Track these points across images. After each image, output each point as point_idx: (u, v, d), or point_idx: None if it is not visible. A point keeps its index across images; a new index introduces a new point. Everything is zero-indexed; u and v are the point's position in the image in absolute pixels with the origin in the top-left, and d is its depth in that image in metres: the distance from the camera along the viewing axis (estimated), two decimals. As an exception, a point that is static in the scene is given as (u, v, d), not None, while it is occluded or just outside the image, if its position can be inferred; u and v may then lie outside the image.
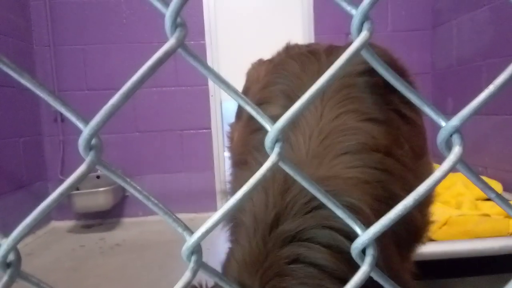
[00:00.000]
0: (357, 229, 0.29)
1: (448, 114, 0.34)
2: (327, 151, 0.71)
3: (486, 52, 2.45)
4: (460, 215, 1.82)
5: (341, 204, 0.29)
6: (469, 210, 1.93)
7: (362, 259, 0.29)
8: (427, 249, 1.54)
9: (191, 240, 0.29)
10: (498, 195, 0.29)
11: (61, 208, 3.06)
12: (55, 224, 3.07)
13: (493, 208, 1.90)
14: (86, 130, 0.27)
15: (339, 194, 0.64)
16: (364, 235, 0.28)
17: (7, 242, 0.28)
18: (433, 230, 1.67)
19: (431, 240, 1.60)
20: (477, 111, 0.27)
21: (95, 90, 3.00)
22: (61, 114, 3.04)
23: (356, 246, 0.29)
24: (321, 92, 0.27)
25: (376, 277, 0.30)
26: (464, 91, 2.66)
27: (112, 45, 3.01)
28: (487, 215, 1.82)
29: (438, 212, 1.92)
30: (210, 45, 3.04)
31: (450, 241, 1.58)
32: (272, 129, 0.28)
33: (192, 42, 2.99)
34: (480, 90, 0.28)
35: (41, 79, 2.93)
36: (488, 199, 2.09)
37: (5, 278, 0.28)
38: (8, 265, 0.28)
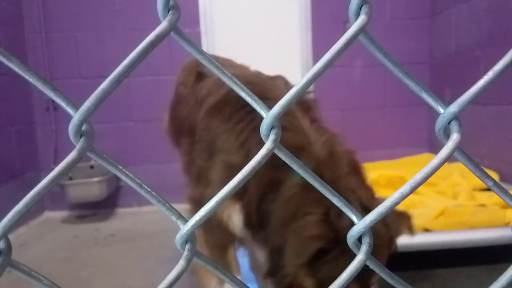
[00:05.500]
0: (354, 218, 0.29)
1: (446, 105, 0.34)
2: None
3: (484, 42, 2.44)
4: (457, 205, 1.83)
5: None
6: (465, 200, 1.94)
7: (358, 248, 0.29)
8: (423, 239, 1.56)
9: (185, 228, 0.28)
10: (496, 183, 0.29)
11: (55, 199, 3.04)
12: (48, 214, 3.05)
13: (489, 198, 1.91)
14: (76, 116, 0.26)
15: None
16: (360, 223, 0.28)
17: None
18: (430, 221, 1.68)
19: (427, 230, 1.61)
20: (476, 98, 0.27)
21: (88, 78, 2.96)
22: (53, 102, 3.01)
23: (352, 235, 0.29)
24: (317, 78, 0.27)
25: (372, 266, 0.30)
26: (462, 81, 2.66)
27: (105, 33, 2.97)
28: (484, 205, 1.83)
29: (434, 202, 1.93)
30: (206, 33, 3.00)
31: (446, 232, 1.59)
32: (268, 116, 0.28)
33: (187, 30, 2.95)
34: (479, 80, 0.27)
35: (32, 67, 2.88)
36: (485, 190, 2.10)
37: (-6, 267, 0.28)
38: (-2, 253, 0.28)
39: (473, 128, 2.49)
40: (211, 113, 1.15)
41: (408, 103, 3.09)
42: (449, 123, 0.28)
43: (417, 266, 1.82)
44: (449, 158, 0.27)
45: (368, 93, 3.12)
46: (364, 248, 0.28)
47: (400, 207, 1.88)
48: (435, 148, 3.00)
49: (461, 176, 2.25)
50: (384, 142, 3.14)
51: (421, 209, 1.90)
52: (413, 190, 0.27)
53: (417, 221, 1.72)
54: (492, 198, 1.89)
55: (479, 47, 2.47)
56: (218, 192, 0.28)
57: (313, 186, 0.30)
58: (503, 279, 0.28)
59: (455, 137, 0.27)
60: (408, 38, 3.07)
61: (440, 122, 0.28)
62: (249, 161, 0.43)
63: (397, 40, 3.03)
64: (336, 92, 3.10)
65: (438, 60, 3.00)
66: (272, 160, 0.71)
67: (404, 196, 0.27)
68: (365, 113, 3.13)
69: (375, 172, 2.39)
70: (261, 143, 0.62)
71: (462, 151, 0.28)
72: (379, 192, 2.17)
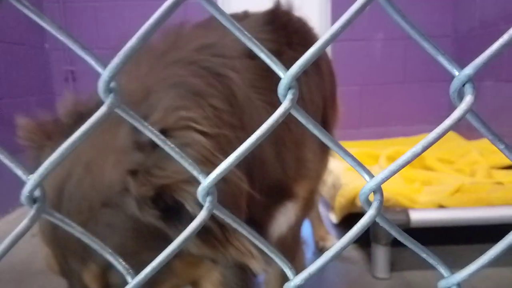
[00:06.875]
0: (365, 176, 0.30)
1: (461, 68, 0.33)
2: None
3: (510, 15, 2.35)
4: (473, 183, 1.81)
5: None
6: (483, 178, 1.92)
7: (369, 204, 0.30)
8: (437, 215, 1.56)
9: (206, 181, 0.30)
10: (507, 147, 0.29)
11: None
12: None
13: (507, 176, 1.89)
14: (106, 72, 0.28)
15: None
16: (372, 181, 0.30)
17: (33, 177, 0.29)
18: (445, 197, 1.68)
19: (442, 206, 1.61)
20: (491, 60, 0.27)
21: (107, 49, 2.98)
22: (72, 73, 3.06)
23: (364, 192, 0.30)
24: (334, 38, 0.27)
25: (381, 223, 0.31)
26: (485, 56, 2.57)
27: (124, 2, 2.97)
28: (501, 183, 1.81)
29: (451, 179, 1.92)
30: (222, 2, 2.97)
31: (461, 208, 1.59)
32: (286, 76, 0.29)
33: None
34: (502, 55, 0.28)
35: (51, 36, 2.92)
36: (504, 168, 2.07)
37: (32, 212, 0.30)
38: (34, 200, 0.30)
39: (494, 106, 2.44)
40: None
41: (428, 79, 3.03)
42: (463, 85, 0.28)
43: (429, 242, 1.83)
44: (462, 119, 0.28)
45: (388, 68, 3.05)
46: (375, 204, 0.29)
47: (416, 185, 1.88)
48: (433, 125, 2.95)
49: (480, 154, 2.22)
50: (402, 118, 3.10)
51: (437, 186, 1.90)
52: (424, 149, 0.28)
53: (433, 197, 1.72)
54: (510, 176, 1.87)
55: (504, 20, 2.38)
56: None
57: None
58: (504, 242, 0.29)
59: (468, 98, 0.27)
60: (431, 10, 2.96)
61: (454, 85, 0.28)
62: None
63: (419, 12, 2.94)
64: (355, 66, 3.05)
65: (461, 34, 2.91)
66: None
67: (415, 155, 0.28)
68: (384, 88, 3.08)
69: (392, 148, 2.38)
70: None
71: (475, 113, 0.28)
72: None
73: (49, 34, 2.95)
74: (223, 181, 0.53)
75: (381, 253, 1.55)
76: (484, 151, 2.25)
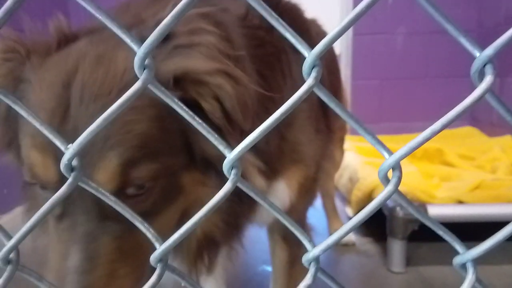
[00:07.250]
0: (384, 153, 0.32)
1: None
2: None
3: (537, 10, 2.29)
4: (494, 179, 1.79)
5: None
6: (504, 175, 1.89)
7: (388, 181, 0.31)
8: (456, 211, 1.55)
9: (231, 155, 0.32)
10: (526, 127, 0.30)
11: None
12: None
13: (529, 173, 1.85)
14: (141, 50, 0.29)
15: None
16: (391, 158, 0.31)
17: (72, 147, 0.32)
18: (465, 193, 1.66)
19: (461, 202, 1.59)
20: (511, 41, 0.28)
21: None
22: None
23: (382, 168, 0.31)
24: (358, 19, 0.28)
25: (398, 198, 0.32)
26: None
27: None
28: (523, 180, 1.78)
29: (471, 176, 1.89)
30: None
31: (480, 204, 1.57)
32: (310, 55, 0.30)
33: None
34: None
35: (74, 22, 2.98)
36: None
37: (69, 180, 0.32)
38: (72, 169, 0.33)
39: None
40: None
41: (450, 74, 2.97)
42: (484, 66, 0.29)
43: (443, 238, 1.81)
44: (481, 99, 0.29)
45: (409, 62, 3.01)
46: (394, 180, 0.31)
47: (435, 180, 1.86)
48: (476, 121, 2.90)
49: (502, 151, 2.18)
50: (423, 113, 3.06)
51: (456, 182, 1.88)
52: (444, 127, 0.29)
53: (452, 193, 1.70)
54: (533, 173, 1.83)
55: (533, 15, 2.32)
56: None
57: None
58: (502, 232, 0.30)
59: (488, 79, 0.28)
60: (455, 4, 2.90)
61: (475, 66, 0.29)
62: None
63: (443, 7, 2.86)
64: (376, 60, 3.01)
65: (487, 29, 2.84)
66: None
67: (434, 133, 0.29)
68: (405, 83, 3.05)
69: (412, 143, 2.35)
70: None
71: (494, 94, 0.29)
72: (414, 164, 2.15)
73: (73, 20, 3.01)
74: (235, 83, 0.55)
75: (397, 247, 1.55)
76: (506, 148, 2.21)
